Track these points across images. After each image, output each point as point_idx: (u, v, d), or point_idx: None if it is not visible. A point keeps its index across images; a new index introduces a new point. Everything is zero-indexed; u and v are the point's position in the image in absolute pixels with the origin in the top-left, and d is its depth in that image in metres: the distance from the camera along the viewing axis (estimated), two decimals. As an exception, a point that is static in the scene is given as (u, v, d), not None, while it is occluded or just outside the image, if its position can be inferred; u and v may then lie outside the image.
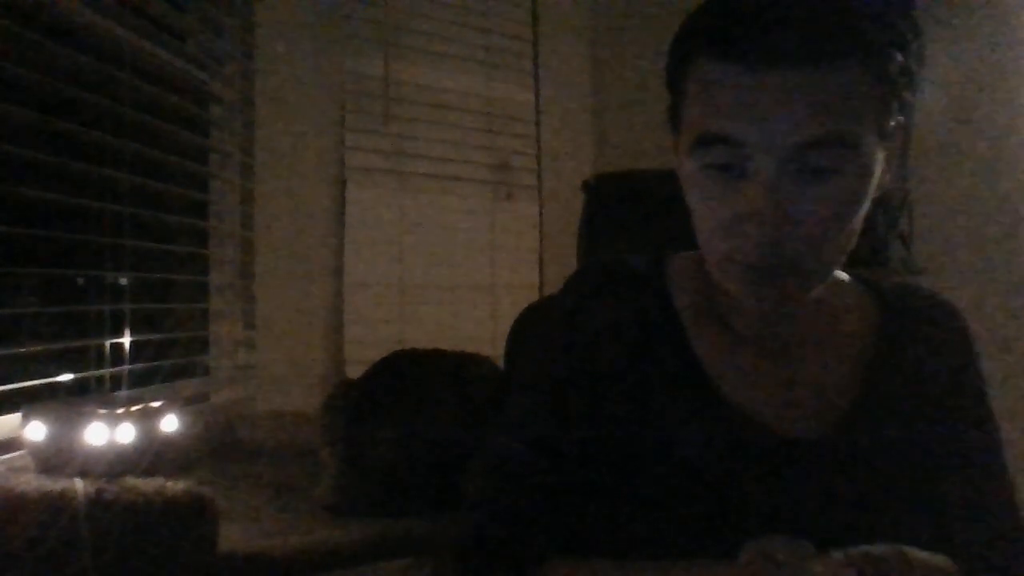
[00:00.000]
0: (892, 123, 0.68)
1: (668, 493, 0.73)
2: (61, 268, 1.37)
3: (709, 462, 0.73)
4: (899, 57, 0.66)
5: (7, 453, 1.13)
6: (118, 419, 1.05)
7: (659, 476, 0.74)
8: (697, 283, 0.79)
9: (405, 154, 2.09)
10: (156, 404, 1.13)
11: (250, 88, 1.84)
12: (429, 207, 2.12)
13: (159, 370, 1.54)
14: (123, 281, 1.45)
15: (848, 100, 0.64)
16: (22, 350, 1.21)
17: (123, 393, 1.38)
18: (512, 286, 2.24)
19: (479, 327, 2.16)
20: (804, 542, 0.62)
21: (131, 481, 0.98)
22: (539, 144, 2.34)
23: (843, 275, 0.82)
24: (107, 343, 1.38)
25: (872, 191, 0.69)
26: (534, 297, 2.20)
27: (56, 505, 0.90)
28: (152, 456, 1.07)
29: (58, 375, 1.27)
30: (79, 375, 1.33)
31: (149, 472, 1.03)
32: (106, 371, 1.37)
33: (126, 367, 1.41)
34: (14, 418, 1.13)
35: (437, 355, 1.51)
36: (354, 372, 1.74)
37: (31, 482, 0.94)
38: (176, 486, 0.98)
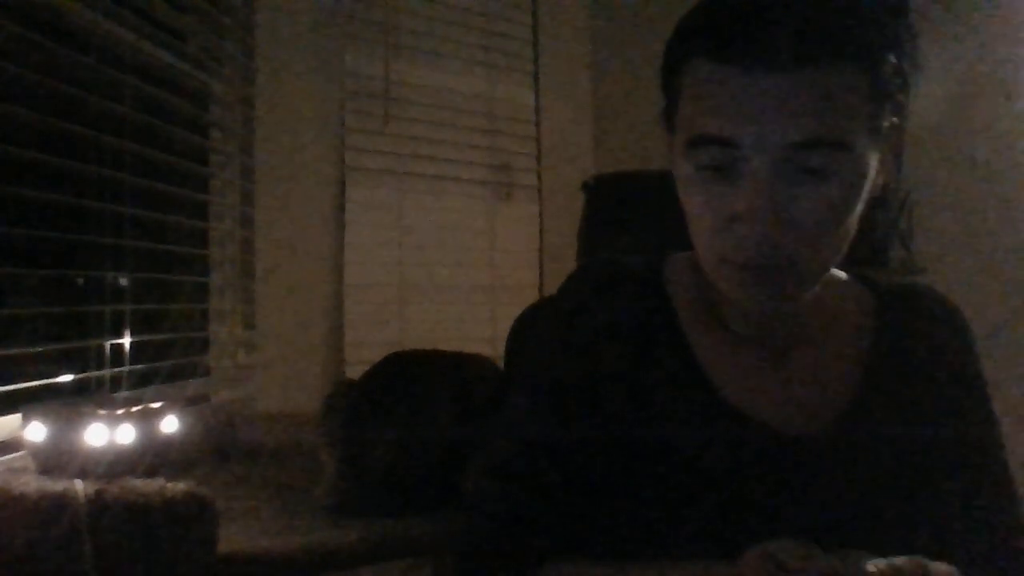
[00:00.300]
0: (886, 124, 0.69)
1: (667, 492, 0.73)
2: (61, 268, 1.37)
3: (708, 461, 0.73)
4: (892, 59, 0.66)
5: (7, 454, 1.13)
6: (118, 420, 1.05)
7: (658, 475, 0.74)
8: (695, 283, 0.80)
9: (405, 154, 2.09)
10: (156, 405, 1.13)
11: (250, 88, 1.84)
12: (429, 207, 2.12)
13: (159, 371, 1.54)
14: (123, 282, 1.45)
15: (841, 102, 0.64)
16: (22, 350, 1.21)
17: (123, 394, 1.38)
18: (512, 286, 2.24)
19: (479, 327, 2.16)
20: (811, 544, 0.62)
21: (131, 482, 0.98)
22: (539, 144, 2.34)
23: (840, 273, 0.82)
24: (107, 344, 1.38)
25: (866, 192, 0.69)
26: (534, 297, 2.20)
27: (56, 506, 0.90)
28: (152, 457, 1.07)
29: (58, 376, 1.27)
30: (79, 376, 1.33)
31: (149, 473, 1.03)
32: (106, 372, 1.37)
33: (126, 368, 1.41)
34: (14, 419, 1.13)
35: (437, 355, 1.51)
36: (354, 372, 1.74)
37: (31, 483, 0.93)
38: (176, 487, 0.98)
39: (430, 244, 2.11)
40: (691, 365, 0.76)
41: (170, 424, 1.13)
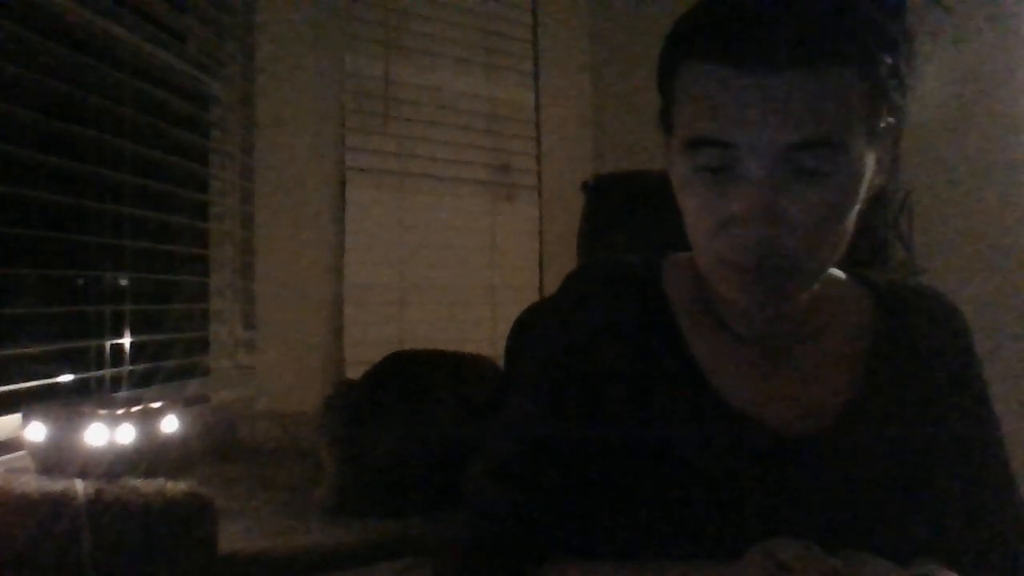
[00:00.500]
0: (882, 125, 0.69)
1: (666, 492, 0.73)
2: (61, 268, 1.37)
3: (707, 461, 0.73)
4: (888, 59, 0.66)
5: (7, 454, 1.13)
6: (118, 420, 1.05)
7: (657, 476, 0.74)
8: (694, 283, 0.80)
9: (405, 154, 2.09)
10: (156, 405, 1.13)
11: (250, 88, 1.84)
12: (429, 208, 2.12)
13: (159, 371, 1.54)
14: (123, 282, 1.45)
15: (838, 102, 0.64)
16: (22, 350, 1.21)
17: (123, 394, 1.38)
18: (512, 286, 2.24)
19: (479, 327, 2.16)
20: (811, 544, 0.61)
21: (131, 482, 0.98)
22: (539, 144, 2.34)
23: (839, 273, 0.82)
24: (107, 344, 1.38)
25: (863, 192, 0.69)
26: (534, 297, 2.20)
27: (56, 506, 0.90)
28: (152, 457, 1.07)
29: (58, 376, 1.27)
30: (79, 376, 1.33)
31: (149, 473, 1.03)
32: (106, 372, 1.37)
33: (126, 368, 1.41)
34: (14, 419, 1.13)
35: (437, 355, 1.51)
36: (354, 372, 1.74)
37: (31, 483, 0.94)
38: (176, 486, 0.98)
39: (430, 244, 2.11)
40: (690, 365, 0.76)
41: (170, 424, 1.13)
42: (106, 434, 1.03)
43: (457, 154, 2.19)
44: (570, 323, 0.80)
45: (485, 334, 2.13)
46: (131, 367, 1.42)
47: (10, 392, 1.15)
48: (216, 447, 1.57)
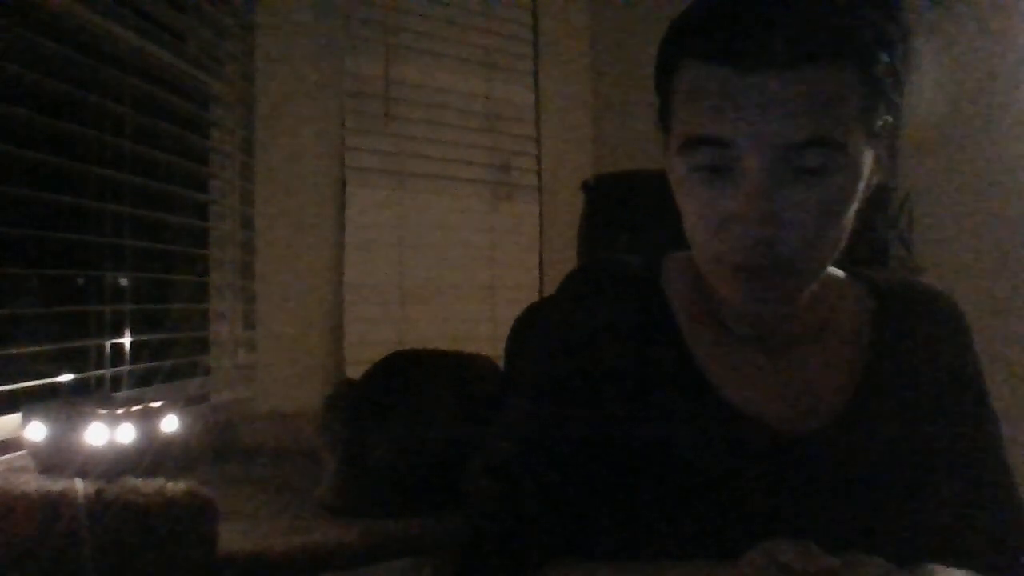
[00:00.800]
0: (880, 123, 0.69)
1: (666, 491, 0.73)
2: (61, 268, 1.37)
3: (707, 460, 0.73)
4: (886, 58, 0.66)
5: (7, 453, 1.13)
6: (118, 419, 1.05)
7: (657, 474, 0.74)
8: (693, 282, 0.80)
9: (405, 154, 2.09)
10: (156, 404, 1.13)
11: (250, 88, 1.84)
12: (429, 207, 2.12)
13: (159, 370, 1.54)
14: (123, 281, 1.45)
15: (835, 101, 0.65)
16: (22, 350, 1.21)
17: (123, 393, 1.38)
18: (512, 286, 2.24)
19: (479, 327, 2.16)
20: (811, 545, 0.61)
21: (131, 481, 0.98)
22: (539, 144, 2.34)
23: (838, 272, 0.82)
24: (107, 343, 1.38)
25: (861, 191, 0.69)
26: (534, 297, 2.20)
27: (56, 505, 0.90)
28: (152, 456, 1.07)
29: (58, 375, 1.27)
30: (79, 375, 1.33)
31: (149, 472, 1.03)
32: (106, 371, 1.37)
33: (126, 367, 1.41)
34: (14, 418, 1.13)
35: (437, 355, 1.51)
36: (354, 372, 1.74)
37: (31, 482, 0.93)
38: (176, 486, 0.98)
39: (430, 244, 2.11)
40: (689, 364, 0.76)
41: (170, 424, 1.13)
42: (106, 434, 1.03)
43: (457, 154, 2.18)
44: (570, 323, 0.80)
45: (485, 334, 2.13)
46: (131, 367, 1.42)
47: (10, 392, 1.15)
48: (216, 447, 1.57)
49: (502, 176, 2.26)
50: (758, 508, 0.72)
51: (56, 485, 0.93)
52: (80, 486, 0.93)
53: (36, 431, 1.04)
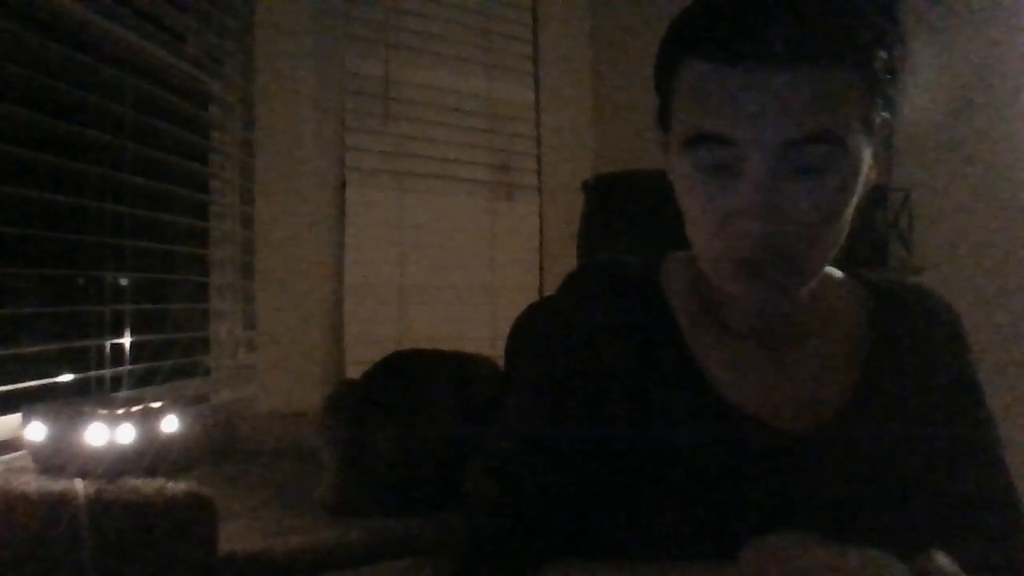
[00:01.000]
0: (878, 120, 0.69)
1: (666, 490, 0.73)
2: (61, 268, 1.37)
3: (707, 459, 0.73)
4: (884, 55, 0.67)
5: (7, 453, 1.13)
6: (118, 420, 1.05)
7: (656, 473, 0.74)
8: (692, 282, 0.80)
9: (405, 154, 2.09)
10: (156, 404, 1.13)
11: (250, 88, 1.84)
12: (429, 207, 2.12)
13: (159, 370, 1.54)
14: (123, 281, 1.45)
15: (836, 98, 0.65)
16: (22, 350, 1.21)
17: (123, 393, 1.38)
18: (512, 286, 2.24)
19: (479, 327, 2.16)
20: (812, 537, 0.61)
21: (131, 481, 0.98)
22: (539, 144, 2.34)
23: (837, 272, 0.82)
24: (107, 343, 1.38)
25: (860, 187, 0.70)
26: (534, 297, 2.20)
27: (56, 505, 0.90)
28: (152, 456, 1.07)
29: (58, 375, 1.27)
30: (79, 375, 1.33)
31: (149, 472, 1.03)
32: (106, 371, 1.37)
33: (126, 367, 1.41)
34: (14, 418, 1.13)
35: (437, 355, 1.51)
36: (354, 372, 1.74)
37: (31, 482, 0.94)
38: (176, 486, 0.98)
39: (430, 244, 2.11)
40: (688, 363, 0.77)
41: (170, 424, 1.13)
42: (106, 434, 1.03)
43: (457, 154, 2.18)
44: (569, 323, 0.80)
45: (485, 334, 2.13)
46: (131, 367, 1.42)
47: (10, 392, 1.15)
48: (216, 447, 1.57)
49: (502, 176, 2.26)
50: (757, 506, 0.72)
51: (56, 485, 0.93)
52: (80, 486, 0.93)
53: (36, 431, 1.04)
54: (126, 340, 1.42)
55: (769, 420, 0.74)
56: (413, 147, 2.10)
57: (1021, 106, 2.30)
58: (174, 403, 1.16)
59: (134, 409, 1.08)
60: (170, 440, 1.12)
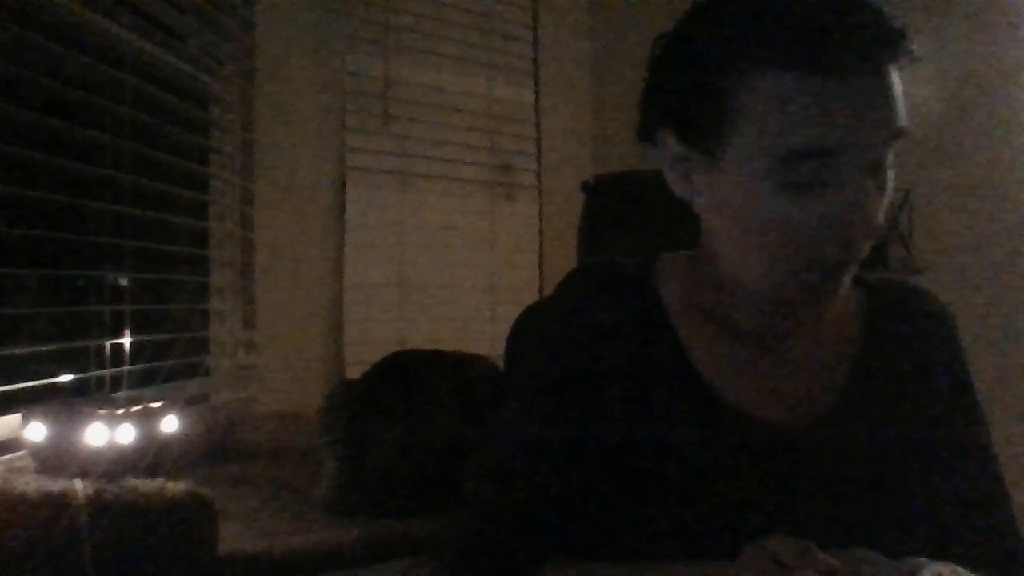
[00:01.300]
0: None
1: (663, 489, 0.74)
2: (61, 268, 1.37)
3: (703, 457, 0.74)
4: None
5: (7, 453, 1.13)
6: (118, 420, 1.05)
7: (653, 472, 0.74)
8: (687, 282, 0.80)
9: (405, 154, 2.09)
10: (156, 405, 1.13)
11: (250, 88, 1.84)
12: (429, 207, 2.12)
13: (159, 371, 1.54)
14: (123, 281, 1.45)
15: (902, 97, 0.67)
16: (22, 350, 1.21)
17: (123, 394, 1.38)
18: (512, 286, 2.24)
19: (479, 327, 2.16)
20: (808, 542, 0.62)
21: (131, 482, 0.98)
22: (539, 144, 2.34)
23: None
24: (107, 344, 1.38)
25: None
26: (534, 297, 2.20)
27: (56, 506, 0.90)
28: (152, 457, 1.07)
29: (58, 375, 1.27)
30: (79, 376, 1.33)
31: (149, 473, 1.03)
32: (106, 372, 1.37)
33: (126, 368, 1.41)
34: (14, 419, 1.13)
35: (437, 355, 1.51)
36: (354, 372, 1.74)
37: (31, 483, 0.93)
38: (176, 487, 0.98)
39: (430, 244, 2.11)
40: (684, 362, 0.77)
41: (170, 424, 1.13)
42: (106, 434, 1.03)
43: (457, 154, 2.19)
44: (566, 324, 0.80)
45: (485, 334, 2.13)
46: (131, 367, 1.42)
47: (10, 392, 1.15)
48: (216, 447, 1.57)
49: (502, 176, 2.26)
50: (754, 503, 0.72)
51: (56, 485, 0.93)
52: (80, 486, 0.93)
53: (36, 431, 1.04)
54: (126, 340, 1.42)
55: (762, 417, 0.75)
56: (413, 147, 2.10)
57: (1021, 106, 2.30)
58: (174, 403, 1.16)
59: (134, 409, 1.08)
60: (170, 440, 1.12)
